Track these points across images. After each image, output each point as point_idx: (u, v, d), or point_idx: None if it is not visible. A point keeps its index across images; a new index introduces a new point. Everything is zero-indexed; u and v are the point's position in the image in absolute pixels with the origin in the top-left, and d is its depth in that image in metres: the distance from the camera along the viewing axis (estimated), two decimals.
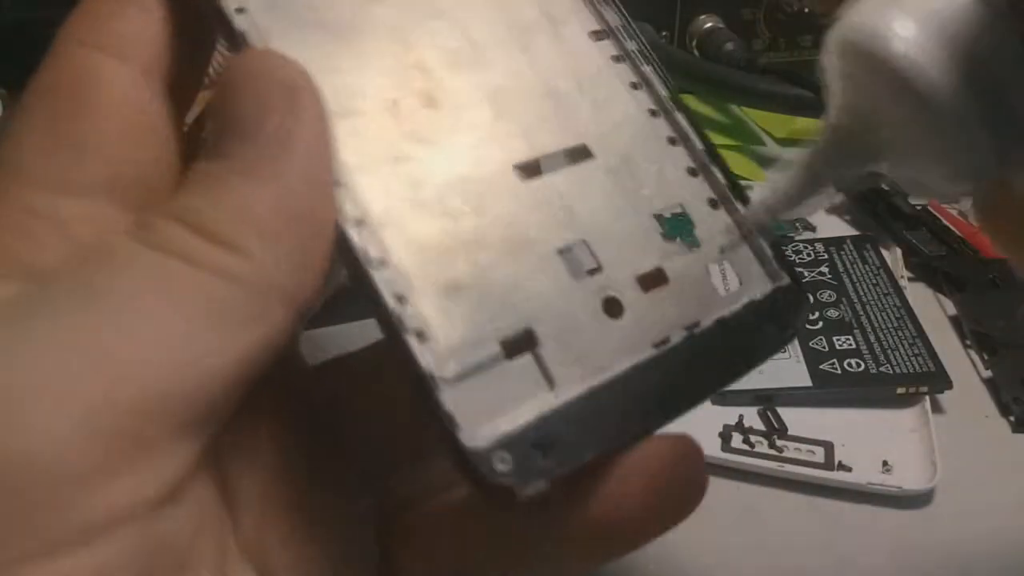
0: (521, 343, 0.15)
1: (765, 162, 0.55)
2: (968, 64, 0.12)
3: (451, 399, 0.14)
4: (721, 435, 0.38)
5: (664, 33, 0.58)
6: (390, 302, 0.15)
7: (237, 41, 0.15)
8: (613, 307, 0.16)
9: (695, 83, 0.55)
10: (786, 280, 0.19)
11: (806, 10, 0.60)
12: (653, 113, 0.19)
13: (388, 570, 0.18)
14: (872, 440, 0.38)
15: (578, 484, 0.16)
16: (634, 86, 0.19)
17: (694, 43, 0.59)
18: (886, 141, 0.14)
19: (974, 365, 0.43)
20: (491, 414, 0.14)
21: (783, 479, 0.37)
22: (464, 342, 0.15)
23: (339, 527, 0.17)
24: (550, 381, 0.15)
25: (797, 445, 0.38)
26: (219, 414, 0.14)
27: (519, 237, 0.16)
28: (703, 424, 0.39)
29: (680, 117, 0.19)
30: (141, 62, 0.15)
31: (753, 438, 0.38)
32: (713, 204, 0.19)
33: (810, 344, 0.42)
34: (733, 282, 0.18)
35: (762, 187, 0.16)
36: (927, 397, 0.39)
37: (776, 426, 0.39)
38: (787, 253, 0.18)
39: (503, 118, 0.17)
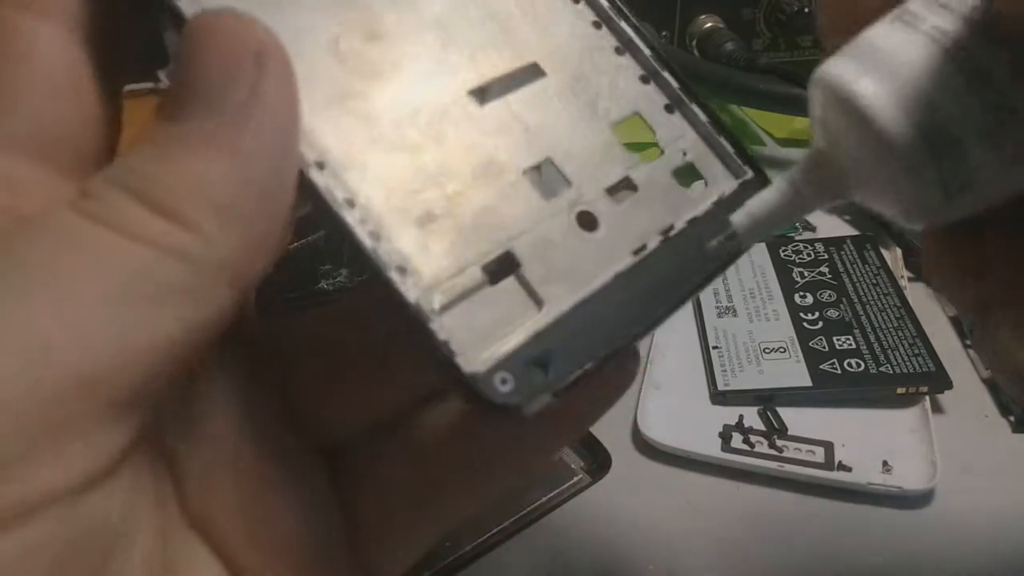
0: (503, 266, 0.16)
1: (765, 162, 0.55)
2: (922, 113, 0.14)
3: (443, 328, 0.14)
4: (721, 435, 0.38)
5: (664, 33, 0.58)
6: (366, 241, 0.14)
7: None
8: (587, 220, 0.17)
9: (695, 83, 0.55)
10: (750, 173, 0.19)
11: (806, 10, 0.60)
12: (596, 25, 0.19)
13: (347, 521, 0.18)
14: (872, 440, 0.38)
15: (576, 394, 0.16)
16: (575, 0, 0.19)
17: (694, 43, 0.59)
18: (853, 175, 0.15)
19: (974, 365, 0.43)
20: (485, 338, 0.15)
21: (783, 479, 0.37)
22: (446, 271, 0.15)
23: (289, 482, 0.17)
24: (537, 300, 0.15)
25: (797, 445, 0.38)
26: (153, 395, 0.13)
27: (483, 162, 0.16)
28: (703, 424, 0.39)
29: (624, 25, 0.19)
30: (65, 19, 0.14)
31: (753, 438, 0.38)
32: (668, 109, 0.19)
33: (810, 344, 0.42)
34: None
35: (752, 199, 0.17)
36: (927, 397, 0.39)
37: (776, 426, 0.39)
38: (747, 148, 0.19)
39: (448, 46, 0.17)
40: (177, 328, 0.13)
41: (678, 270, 0.17)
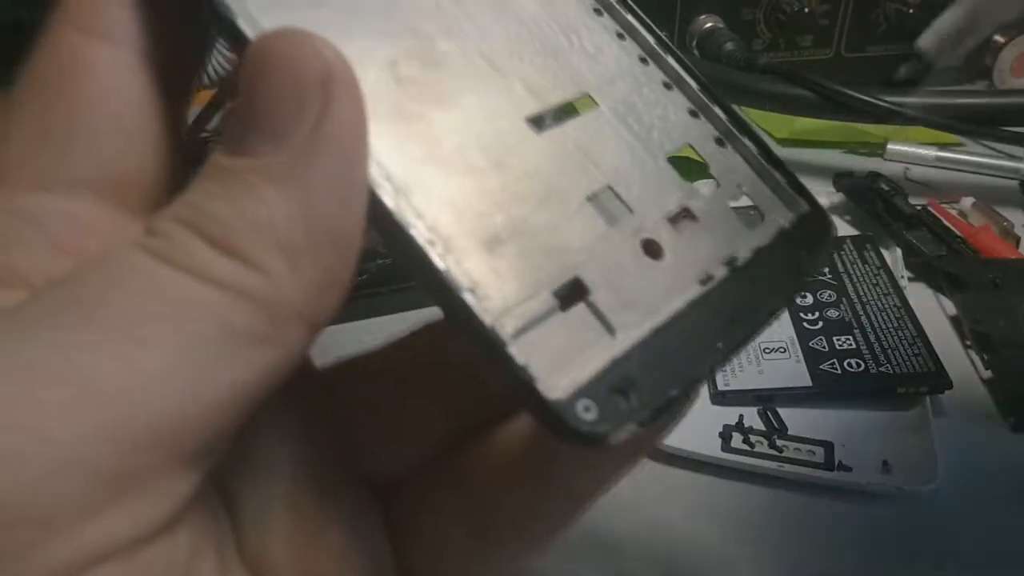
0: (572, 292, 0.15)
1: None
2: None
3: (521, 353, 0.14)
4: (721, 435, 0.38)
5: (664, 33, 0.58)
6: (439, 262, 0.14)
7: (221, 15, 0.14)
8: (652, 249, 0.16)
9: None
10: (807, 207, 0.19)
11: (806, 10, 0.60)
12: (644, 60, 0.19)
13: (398, 560, 0.18)
14: (872, 440, 0.38)
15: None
16: (620, 36, 0.19)
17: (694, 43, 0.59)
18: None
19: (974, 365, 0.43)
20: (561, 364, 0.14)
21: (783, 479, 0.37)
22: (517, 296, 0.15)
23: (344, 520, 0.17)
24: (609, 327, 0.15)
25: (797, 445, 0.38)
26: (222, 443, 0.13)
27: (546, 188, 0.16)
28: (703, 424, 0.39)
29: (671, 61, 0.19)
30: (132, 46, 0.14)
31: (753, 438, 0.38)
32: (720, 143, 0.19)
33: (810, 344, 0.42)
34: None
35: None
36: (927, 397, 0.39)
37: (776, 426, 0.39)
38: (800, 182, 0.19)
39: (502, 74, 0.17)
40: (250, 375, 0.12)
41: (749, 298, 0.17)
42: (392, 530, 0.18)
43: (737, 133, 0.19)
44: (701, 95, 0.19)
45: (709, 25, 0.58)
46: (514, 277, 0.15)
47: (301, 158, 0.13)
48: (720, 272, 0.17)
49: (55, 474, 0.11)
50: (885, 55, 0.62)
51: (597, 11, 0.20)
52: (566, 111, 0.18)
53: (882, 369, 0.40)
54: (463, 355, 0.17)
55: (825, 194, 0.53)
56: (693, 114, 0.19)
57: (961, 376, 0.41)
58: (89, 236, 0.14)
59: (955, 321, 0.46)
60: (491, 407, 0.18)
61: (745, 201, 0.18)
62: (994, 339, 0.43)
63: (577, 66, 0.18)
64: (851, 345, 0.42)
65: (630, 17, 0.20)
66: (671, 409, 0.15)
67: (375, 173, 0.14)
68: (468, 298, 0.14)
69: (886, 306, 0.44)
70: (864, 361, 0.41)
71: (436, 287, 0.14)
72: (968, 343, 0.44)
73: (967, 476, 0.37)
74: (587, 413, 0.14)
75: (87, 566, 0.11)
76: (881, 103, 0.51)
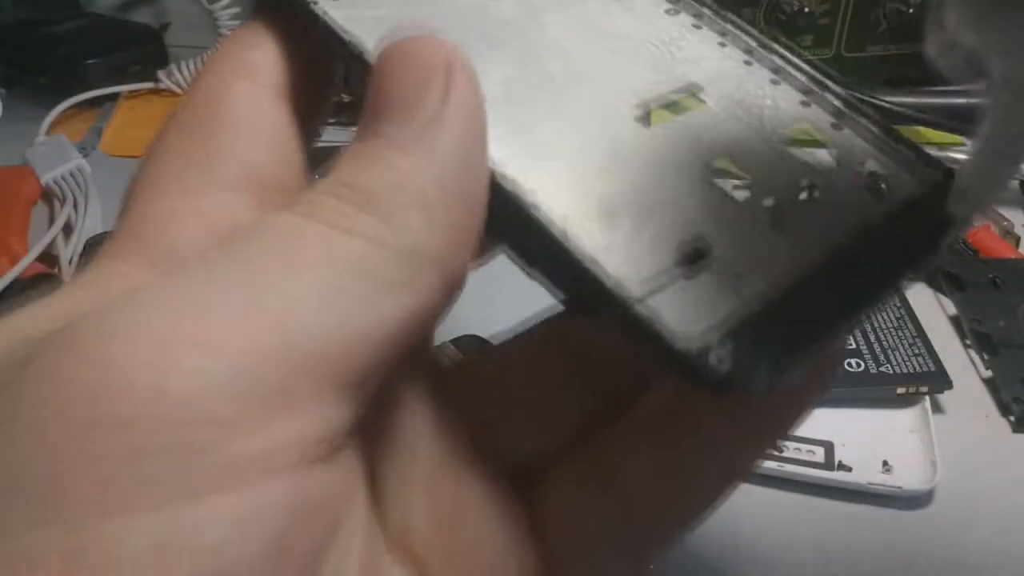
0: (696, 259, 0.16)
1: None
2: None
3: (648, 310, 0.15)
4: None
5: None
6: (559, 233, 0.15)
7: (352, 53, 0.17)
8: (775, 218, 0.17)
9: None
10: (938, 174, 0.19)
11: (806, 10, 0.60)
12: (747, 63, 0.20)
13: (541, 552, 0.17)
14: (872, 440, 0.38)
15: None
16: (721, 44, 0.20)
17: None
18: None
19: (974, 365, 0.43)
20: (691, 320, 0.15)
21: (783, 479, 0.37)
22: (639, 261, 0.15)
23: (485, 507, 0.17)
24: (737, 288, 0.16)
25: (797, 445, 0.38)
26: (370, 379, 0.14)
27: (660, 171, 0.17)
28: None
29: (775, 58, 0.20)
30: (272, 85, 0.17)
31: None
32: (836, 125, 0.19)
33: None
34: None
35: (956, 180, 0.16)
36: (927, 397, 0.39)
37: None
38: (927, 152, 0.19)
39: (608, 82, 0.18)
40: (396, 314, 0.14)
41: (880, 265, 0.17)
42: (532, 515, 0.18)
43: (853, 114, 0.19)
44: (811, 84, 0.20)
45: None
46: (635, 245, 0.15)
47: (429, 130, 0.15)
48: (848, 241, 0.17)
49: (232, 383, 0.12)
50: (885, 55, 0.62)
51: (696, 26, 0.21)
52: (674, 110, 0.18)
53: (882, 369, 0.40)
54: (592, 335, 0.18)
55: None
56: (805, 104, 0.19)
57: (961, 376, 0.41)
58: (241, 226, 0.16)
59: (955, 321, 0.46)
60: (627, 385, 0.18)
61: (869, 175, 0.19)
62: (994, 339, 0.43)
63: (681, 71, 0.19)
64: (851, 345, 0.42)
65: (727, 24, 0.21)
66: (806, 361, 0.15)
67: (493, 162, 0.16)
68: (590, 263, 0.15)
69: (886, 306, 0.44)
70: (864, 361, 0.41)
71: (558, 258, 0.15)
72: (968, 343, 0.44)
73: (967, 476, 0.37)
74: (721, 364, 0.14)
75: (261, 472, 0.12)
76: (881, 103, 0.51)
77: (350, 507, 0.15)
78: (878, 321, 0.43)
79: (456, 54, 0.15)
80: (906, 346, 0.41)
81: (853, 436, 0.38)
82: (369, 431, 0.16)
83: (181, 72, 0.65)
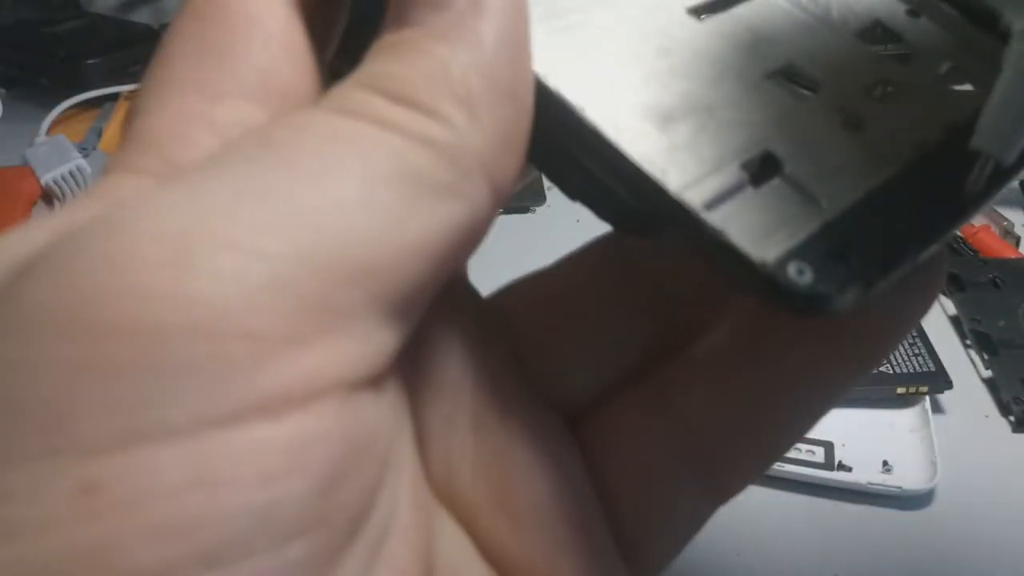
0: (764, 166, 0.14)
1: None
2: None
3: (717, 219, 0.13)
4: None
5: None
6: (613, 137, 0.14)
7: None
8: (851, 119, 0.15)
9: None
10: None
11: None
12: None
13: (599, 491, 0.16)
14: (872, 440, 0.38)
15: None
16: None
17: None
18: None
19: (974, 365, 0.43)
20: (765, 232, 0.13)
21: (783, 479, 0.37)
22: (700, 169, 0.14)
23: (535, 444, 0.16)
24: (813, 198, 0.14)
25: (797, 445, 0.38)
26: (417, 299, 0.13)
27: (718, 68, 0.15)
28: None
29: None
30: None
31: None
32: (913, 14, 0.18)
33: None
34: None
35: (979, 129, 0.14)
36: (927, 397, 0.39)
37: None
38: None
39: None
40: (440, 224, 0.12)
41: (961, 169, 0.15)
42: (590, 456, 0.16)
43: (935, 2, 0.17)
44: None
45: None
46: (696, 152, 0.14)
47: (468, 18, 0.13)
48: (937, 138, 0.15)
49: (267, 291, 0.11)
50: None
51: None
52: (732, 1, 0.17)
53: (882, 369, 0.40)
54: (652, 255, 0.17)
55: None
56: None
57: (961, 376, 0.41)
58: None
59: (955, 321, 0.46)
60: (693, 310, 0.17)
61: (951, 69, 0.17)
62: (994, 339, 0.43)
63: None
64: None
65: None
66: (899, 273, 0.13)
67: (539, 67, 0.14)
68: (650, 167, 0.13)
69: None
70: None
71: (612, 166, 0.14)
72: (968, 343, 0.44)
73: (967, 476, 0.37)
74: (802, 276, 0.13)
75: (308, 396, 0.11)
76: None
77: (397, 444, 0.14)
78: None
79: None
80: (906, 346, 0.41)
81: (853, 436, 0.38)
82: (409, 368, 0.15)
83: None
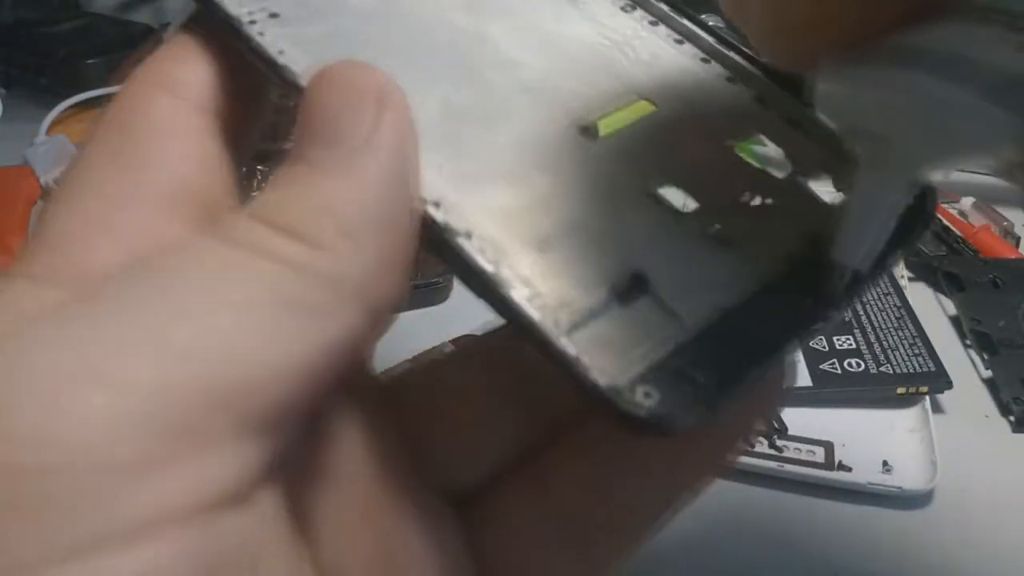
0: (632, 285, 0.15)
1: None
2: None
3: (574, 344, 0.14)
4: None
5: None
6: (487, 267, 0.14)
7: (283, 76, 0.16)
8: (720, 235, 0.16)
9: None
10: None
11: None
12: (705, 60, 0.19)
13: (481, 572, 0.17)
14: (872, 440, 0.38)
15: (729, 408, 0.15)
16: (679, 42, 0.20)
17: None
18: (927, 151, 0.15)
19: (974, 365, 0.43)
20: (622, 354, 0.14)
21: (783, 479, 0.37)
22: (570, 293, 0.15)
23: (424, 530, 0.16)
24: (674, 316, 0.15)
25: (797, 445, 0.38)
26: (287, 417, 0.13)
27: (602, 189, 0.16)
28: None
29: (734, 55, 0.19)
30: (196, 101, 0.16)
31: (753, 438, 0.38)
32: (793, 124, 0.18)
33: (810, 344, 0.42)
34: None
35: (840, 237, 0.15)
36: (927, 397, 0.39)
37: (776, 426, 0.39)
38: None
39: (553, 94, 0.18)
40: (312, 345, 0.13)
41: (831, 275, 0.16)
42: (475, 540, 0.17)
43: (810, 116, 0.18)
44: (766, 86, 0.19)
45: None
46: (568, 275, 0.15)
47: (356, 156, 0.14)
48: (800, 250, 0.16)
49: (135, 422, 0.11)
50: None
51: (653, 23, 0.20)
52: (621, 120, 0.18)
53: (882, 369, 0.40)
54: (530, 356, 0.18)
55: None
56: (760, 101, 0.19)
57: (961, 376, 0.41)
58: (158, 247, 0.15)
59: (955, 321, 0.46)
60: (566, 406, 0.18)
61: (827, 180, 0.18)
62: (994, 339, 0.43)
63: (633, 75, 0.18)
64: (851, 345, 0.42)
65: (687, 22, 0.20)
66: (742, 392, 0.14)
67: (426, 192, 0.15)
68: (516, 298, 0.14)
69: (886, 306, 0.44)
70: (864, 361, 0.41)
71: (488, 291, 0.15)
72: (968, 343, 0.44)
73: (967, 476, 0.37)
74: (647, 399, 0.14)
75: (169, 522, 0.12)
76: None
77: (268, 551, 0.14)
78: (878, 321, 0.43)
79: (389, 82, 0.15)
80: (906, 346, 0.41)
81: (853, 436, 0.38)
82: (298, 464, 0.15)
83: None
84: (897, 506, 0.36)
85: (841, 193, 0.17)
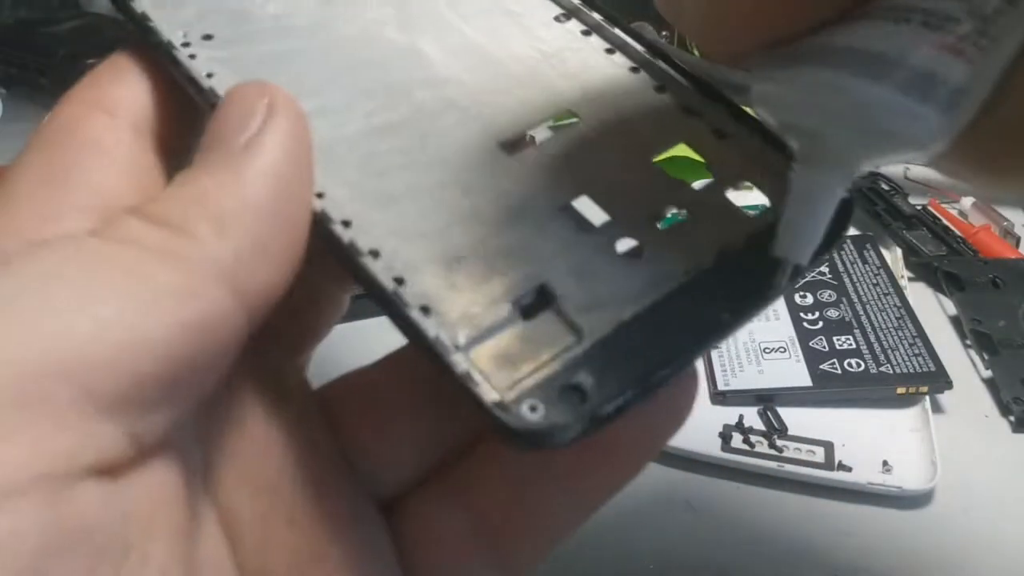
0: (537, 300, 0.15)
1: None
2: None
3: (466, 361, 0.14)
4: (721, 435, 0.38)
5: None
6: (388, 285, 0.15)
7: (209, 98, 0.17)
8: (630, 249, 0.16)
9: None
10: None
11: None
12: (634, 69, 0.19)
13: (403, 565, 0.18)
14: (872, 440, 0.38)
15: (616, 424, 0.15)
16: (609, 51, 0.20)
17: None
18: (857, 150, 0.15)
19: (974, 365, 0.43)
20: (516, 369, 0.14)
21: (783, 479, 0.37)
22: (474, 308, 0.15)
23: (349, 536, 0.17)
24: (576, 330, 0.15)
25: (797, 445, 0.38)
26: (152, 393, 0.13)
27: (516, 204, 0.17)
28: (703, 424, 0.39)
29: (663, 65, 0.19)
30: (130, 119, 0.17)
31: (753, 438, 0.38)
32: (719, 135, 0.18)
33: (810, 344, 0.42)
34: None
35: (781, 232, 0.15)
36: (927, 397, 0.39)
37: (776, 426, 0.39)
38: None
39: (477, 110, 0.18)
40: (168, 323, 0.13)
41: (735, 289, 0.16)
42: (400, 544, 0.18)
43: (739, 125, 0.18)
44: (697, 93, 0.19)
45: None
46: (472, 291, 0.15)
47: (238, 156, 0.15)
48: (708, 262, 0.16)
49: None
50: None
51: (585, 32, 0.20)
52: (543, 134, 0.18)
53: (882, 369, 0.40)
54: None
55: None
56: (689, 111, 0.19)
57: (961, 376, 0.41)
58: None
59: (955, 321, 0.46)
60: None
61: (750, 191, 0.18)
62: (994, 339, 0.43)
63: (559, 87, 0.19)
64: (851, 345, 0.42)
65: (618, 31, 0.20)
66: (639, 401, 0.14)
67: (335, 211, 0.16)
68: (413, 315, 0.15)
69: (886, 306, 0.44)
70: (864, 361, 0.41)
71: (388, 308, 0.15)
72: (968, 343, 0.44)
73: (967, 476, 0.37)
74: (532, 413, 0.14)
75: (7, 493, 0.12)
76: None
77: (148, 533, 0.14)
78: (878, 321, 0.43)
79: (282, 94, 0.16)
80: (906, 346, 0.41)
81: (853, 436, 0.38)
82: (230, 463, 0.16)
83: None
84: (897, 506, 0.36)
85: (769, 200, 0.17)
